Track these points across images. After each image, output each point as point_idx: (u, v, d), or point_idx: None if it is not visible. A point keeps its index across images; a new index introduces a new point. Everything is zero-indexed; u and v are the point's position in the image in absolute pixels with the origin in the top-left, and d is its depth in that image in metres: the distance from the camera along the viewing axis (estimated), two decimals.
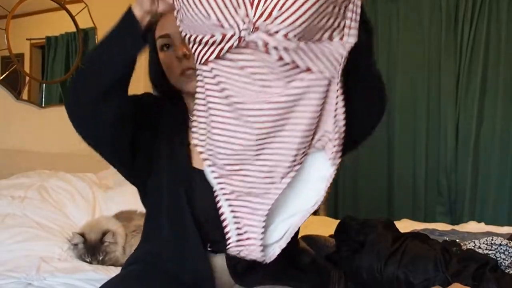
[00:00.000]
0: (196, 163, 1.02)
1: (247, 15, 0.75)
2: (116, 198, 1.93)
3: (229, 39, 0.77)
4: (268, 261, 0.84)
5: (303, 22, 0.73)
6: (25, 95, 2.28)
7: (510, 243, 1.31)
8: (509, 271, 1.22)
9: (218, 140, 0.82)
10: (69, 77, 2.52)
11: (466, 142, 3.07)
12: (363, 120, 0.98)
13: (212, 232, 0.99)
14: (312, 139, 0.82)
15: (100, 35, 2.68)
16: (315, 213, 3.40)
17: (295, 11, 0.72)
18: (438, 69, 3.15)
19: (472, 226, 2.20)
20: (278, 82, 0.78)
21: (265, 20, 0.73)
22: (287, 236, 0.83)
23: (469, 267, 1.13)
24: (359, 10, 0.79)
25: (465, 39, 3.07)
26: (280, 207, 0.83)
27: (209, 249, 1.01)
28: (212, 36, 0.78)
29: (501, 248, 1.29)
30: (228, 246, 0.84)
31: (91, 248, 1.58)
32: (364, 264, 1.19)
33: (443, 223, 2.44)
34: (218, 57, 0.79)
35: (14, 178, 1.94)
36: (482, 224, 2.32)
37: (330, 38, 0.78)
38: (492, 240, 1.32)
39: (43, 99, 2.38)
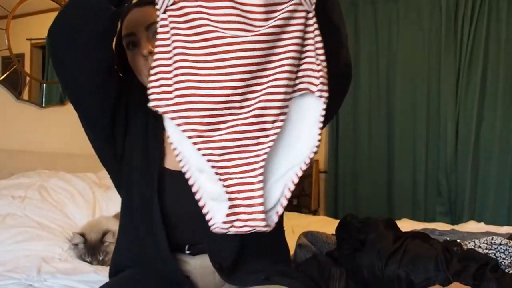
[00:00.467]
0: (168, 164, 0.98)
1: None
2: (116, 198, 1.93)
3: None
4: (269, 230, 0.73)
5: None
6: (25, 95, 2.28)
7: (510, 242, 1.31)
8: (509, 271, 1.22)
9: (194, 94, 0.71)
10: None
11: (466, 142, 3.08)
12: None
13: (187, 234, 0.97)
14: (296, 78, 0.73)
15: None
16: (315, 213, 3.41)
17: None
18: (438, 69, 3.15)
19: (472, 226, 2.20)
20: (260, 14, 0.71)
21: None
22: (283, 199, 0.74)
23: (470, 266, 1.13)
24: None
25: (465, 39, 3.07)
26: (271, 164, 0.73)
27: (187, 252, 0.99)
28: None
29: (501, 248, 1.29)
30: (213, 226, 0.73)
31: (92, 248, 1.58)
32: (365, 262, 1.19)
33: (443, 223, 2.44)
34: None
35: (14, 178, 1.94)
36: (482, 224, 2.32)
37: None
38: (492, 239, 1.32)
39: (44, 99, 2.38)
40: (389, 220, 1.39)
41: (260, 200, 0.70)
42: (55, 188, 1.91)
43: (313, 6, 0.74)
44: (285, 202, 0.74)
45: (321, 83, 0.73)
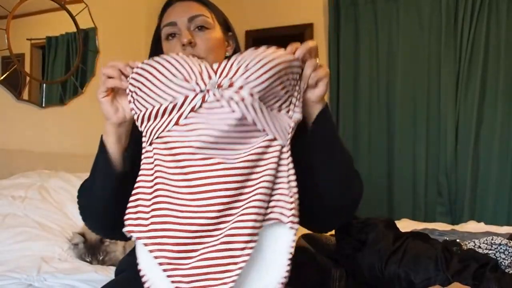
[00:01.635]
0: None
1: (210, 77, 0.79)
2: None
3: (193, 99, 0.78)
4: None
5: (266, 80, 0.77)
6: (25, 95, 2.28)
7: (510, 242, 1.31)
8: (509, 271, 1.22)
9: (170, 222, 0.74)
10: (69, 77, 2.52)
11: (466, 142, 3.07)
12: (334, 203, 0.96)
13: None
14: (267, 207, 0.76)
15: (100, 35, 2.69)
16: None
17: (259, 68, 0.76)
18: (438, 69, 3.15)
19: (472, 226, 2.20)
20: (237, 146, 0.78)
21: (230, 78, 0.77)
22: None
23: (470, 266, 1.13)
24: (302, 94, 0.86)
25: (465, 39, 3.07)
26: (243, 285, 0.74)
27: None
28: (174, 101, 0.79)
29: (501, 248, 1.29)
30: None
31: (92, 248, 1.58)
32: (365, 262, 1.19)
33: (443, 223, 2.44)
34: (177, 123, 0.78)
35: (15, 178, 1.94)
36: (482, 224, 2.32)
37: (279, 109, 0.82)
38: (492, 239, 1.32)
39: (44, 99, 2.38)
40: (389, 220, 1.39)
41: None
42: (55, 188, 1.91)
43: (288, 141, 0.80)
44: None
45: (293, 214, 0.75)
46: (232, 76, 0.77)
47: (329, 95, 3.44)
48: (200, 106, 0.78)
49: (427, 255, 1.16)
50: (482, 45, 3.03)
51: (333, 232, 1.34)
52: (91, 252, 1.59)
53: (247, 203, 0.75)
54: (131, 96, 0.86)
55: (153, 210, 0.76)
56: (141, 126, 0.83)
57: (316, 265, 1.15)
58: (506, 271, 1.21)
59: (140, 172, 0.81)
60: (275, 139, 0.79)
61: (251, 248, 0.72)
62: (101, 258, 1.59)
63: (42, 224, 1.68)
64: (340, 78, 3.41)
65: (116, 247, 1.61)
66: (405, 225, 2.04)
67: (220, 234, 0.74)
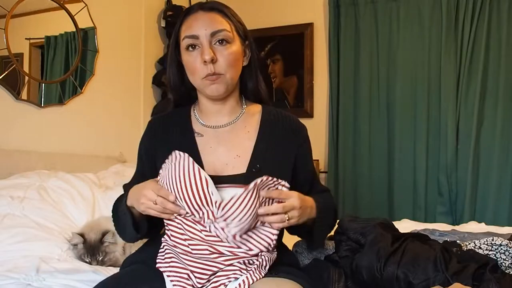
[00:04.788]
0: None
1: (213, 213, 0.99)
2: (116, 198, 1.93)
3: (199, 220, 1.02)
4: None
5: (251, 225, 1.00)
6: (24, 95, 2.28)
7: (510, 243, 1.30)
8: (509, 272, 1.22)
9: None
10: (68, 77, 2.52)
11: (466, 142, 3.07)
12: None
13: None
14: None
15: (100, 34, 2.69)
16: None
17: (247, 222, 0.98)
18: (438, 69, 3.15)
19: (473, 226, 2.20)
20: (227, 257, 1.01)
21: (225, 219, 0.98)
22: None
23: (469, 267, 1.13)
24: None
25: (465, 39, 3.07)
26: None
27: None
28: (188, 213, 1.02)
29: (501, 249, 1.28)
30: None
31: (91, 248, 1.58)
32: (364, 263, 1.19)
33: (443, 223, 2.44)
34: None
35: (14, 178, 1.93)
36: (483, 224, 2.32)
37: (263, 223, 1.02)
38: (492, 240, 1.32)
39: (43, 99, 2.38)
40: (386, 220, 1.38)
41: None
42: (54, 189, 1.90)
43: (271, 248, 1.05)
44: None
45: None
46: (225, 219, 0.98)
47: (330, 94, 3.44)
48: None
49: (426, 255, 1.16)
50: (482, 45, 3.02)
51: (332, 233, 1.33)
52: (90, 252, 1.58)
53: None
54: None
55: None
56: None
57: (315, 267, 1.15)
58: (506, 271, 1.21)
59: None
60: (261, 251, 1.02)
61: None
62: (100, 258, 1.58)
63: (41, 224, 1.68)
64: (340, 78, 3.41)
65: (116, 247, 1.60)
66: (405, 226, 2.03)
67: None
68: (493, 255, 1.27)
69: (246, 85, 1.18)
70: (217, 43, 1.06)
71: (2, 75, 2.15)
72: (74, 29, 2.53)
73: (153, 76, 3.10)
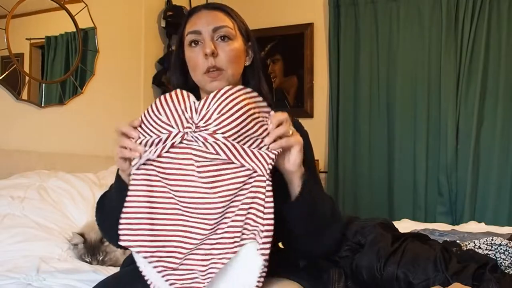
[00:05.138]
0: None
1: (192, 118, 0.92)
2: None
3: (174, 136, 0.92)
4: None
5: (237, 125, 0.89)
6: (24, 95, 2.28)
7: (510, 243, 1.31)
8: (509, 271, 1.22)
9: (170, 241, 0.90)
10: (68, 77, 2.52)
11: (466, 142, 3.07)
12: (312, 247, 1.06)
13: None
14: (244, 230, 0.87)
15: (100, 34, 2.69)
16: None
17: (231, 115, 0.89)
18: (438, 69, 3.15)
19: (473, 226, 2.20)
20: (216, 178, 0.90)
21: (206, 121, 0.91)
22: None
23: (469, 267, 1.13)
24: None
25: (465, 39, 3.07)
26: None
27: None
28: (159, 136, 0.93)
29: (501, 248, 1.29)
30: None
31: (91, 248, 1.58)
32: (364, 263, 1.19)
33: (443, 223, 2.44)
34: (159, 155, 0.92)
35: (14, 178, 1.93)
36: (483, 224, 2.32)
37: (259, 147, 0.92)
38: (492, 240, 1.32)
39: (43, 99, 2.38)
40: (386, 220, 1.38)
41: None
42: (55, 189, 1.90)
43: (268, 171, 0.88)
44: None
45: (264, 242, 0.85)
46: (208, 119, 0.91)
47: (330, 94, 3.44)
48: (180, 142, 0.92)
49: (425, 255, 1.16)
50: (482, 45, 3.02)
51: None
52: (90, 252, 1.59)
53: (227, 227, 0.87)
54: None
55: (147, 228, 0.91)
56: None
57: (315, 267, 1.15)
58: (506, 271, 1.21)
59: (129, 193, 0.93)
60: (254, 171, 0.89)
61: (222, 263, 0.85)
62: (100, 258, 1.58)
63: (41, 224, 1.68)
64: (340, 78, 3.41)
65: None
66: (405, 226, 2.04)
67: (204, 252, 0.88)
68: (493, 255, 1.28)
69: (248, 84, 1.17)
70: (219, 39, 1.07)
71: (3, 75, 2.15)
72: (75, 29, 2.53)
73: (153, 76, 3.10)
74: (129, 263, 1.12)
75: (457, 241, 1.44)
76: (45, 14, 2.39)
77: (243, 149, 0.90)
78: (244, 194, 0.88)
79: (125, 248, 1.16)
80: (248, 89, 0.95)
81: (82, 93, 2.59)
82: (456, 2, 3.08)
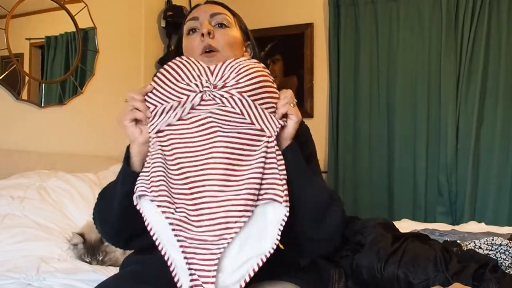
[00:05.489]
0: None
1: (208, 80, 0.95)
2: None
3: (193, 98, 0.93)
4: None
5: (253, 84, 0.93)
6: (24, 95, 2.28)
7: (510, 243, 1.31)
8: (509, 271, 1.22)
9: (177, 193, 0.89)
10: (68, 77, 2.52)
11: (466, 142, 3.07)
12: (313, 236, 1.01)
13: None
14: (261, 189, 0.88)
15: (100, 34, 2.69)
16: None
17: (247, 75, 0.94)
18: (438, 69, 3.15)
19: (473, 226, 2.20)
20: (229, 130, 0.92)
21: (223, 81, 0.94)
22: (246, 278, 0.87)
23: (469, 267, 1.13)
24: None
25: (465, 39, 3.07)
26: (237, 251, 0.87)
27: None
28: (178, 100, 0.94)
29: (501, 248, 1.29)
30: (181, 287, 0.87)
31: (91, 248, 1.58)
32: (364, 263, 1.19)
33: (443, 223, 2.44)
34: (180, 118, 0.94)
35: (14, 178, 1.93)
36: (483, 224, 2.32)
37: (271, 113, 0.95)
38: (492, 240, 1.32)
39: (43, 99, 2.38)
40: (386, 220, 1.38)
41: (212, 278, 0.84)
42: (55, 188, 1.90)
43: (276, 133, 0.93)
44: (248, 279, 0.87)
45: (285, 195, 0.89)
46: (226, 78, 0.94)
47: (330, 94, 3.44)
48: (199, 104, 0.94)
49: (426, 255, 1.16)
50: (482, 45, 3.02)
51: None
52: (90, 252, 1.59)
53: (241, 184, 0.88)
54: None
55: (161, 185, 0.89)
56: (151, 121, 0.96)
57: (315, 267, 1.15)
58: (506, 271, 1.21)
59: (149, 155, 0.94)
60: (262, 130, 0.92)
61: (243, 222, 0.86)
62: (100, 258, 1.58)
63: (41, 224, 1.68)
64: (340, 78, 3.41)
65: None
66: (405, 226, 2.04)
67: (219, 209, 0.87)
68: (493, 255, 1.28)
69: None
70: (217, 26, 1.08)
71: (3, 75, 2.15)
72: (74, 29, 2.53)
73: (153, 76, 3.10)
74: (128, 264, 1.12)
75: (457, 241, 1.44)
76: (45, 14, 2.39)
77: (256, 107, 0.93)
78: (254, 151, 0.91)
79: (120, 247, 1.14)
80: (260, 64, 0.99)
81: (82, 93, 2.59)
82: (456, 2, 3.08)
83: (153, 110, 0.95)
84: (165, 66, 0.98)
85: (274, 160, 0.90)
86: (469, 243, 1.37)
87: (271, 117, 0.94)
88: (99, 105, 2.68)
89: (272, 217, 0.88)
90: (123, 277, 1.05)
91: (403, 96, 3.23)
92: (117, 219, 1.00)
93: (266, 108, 0.94)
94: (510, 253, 1.27)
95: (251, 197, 0.87)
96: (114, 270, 1.44)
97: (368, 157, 3.34)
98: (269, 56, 3.60)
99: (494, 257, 1.26)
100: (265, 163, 0.90)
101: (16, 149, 2.17)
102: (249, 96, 0.93)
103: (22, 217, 1.67)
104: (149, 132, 0.95)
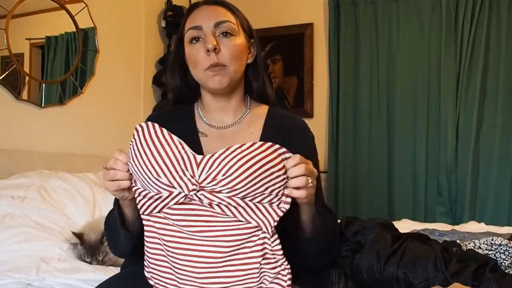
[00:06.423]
0: None
1: (193, 176, 0.87)
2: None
3: (176, 196, 0.87)
4: None
5: (243, 186, 0.85)
6: (24, 95, 2.28)
7: (510, 243, 1.31)
8: (509, 271, 1.22)
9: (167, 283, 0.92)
10: (68, 77, 2.52)
11: (466, 142, 3.07)
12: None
13: None
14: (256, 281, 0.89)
15: (100, 34, 2.69)
16: None
17: (237, 177, 0.85)
18: (438, 69, 3.14)
19: (472, 226, 2.20)
20: (218, 233, 0.88)
21: (210, 182, 0.86)
22: None
23: (469, 267, 1.13)
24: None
25: (465, 39, 3.07)
26: None
27: None
28: (159, 193, 0.88)
29: (501, 248, 1.29)
30: None
31: (91, 248, 1.58)
32: (364, 264, 1.19)
33: (443, 223, 2.44)
34: (160, 211, 0.89)
35: (14, 178, 1.93)
36: (482, 224, 2.32)
37: (270, 203, 0.89)
38: (492, 240, 1.32)
39: (43, 99, 2.38)
40: (386, 221, 1.38)
41: None
42: (55, 188, 1.90)
43: (272, 229, 0.88)
44: None
45: (289, 279, 0.89)
46: (213, 179, 0.86)
47: (329, 94, 3.44)
48: (182, 203, 0.88)
49: (426, 256, 1.16)
50: (482, 45, 3.02)
51: None
52: (90, 252, 1.59)
53: (236, 280, 0.88)
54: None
55: (155, 265, 0.94)
56: (136, 197, 0.93)
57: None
58: (506, 271, 1.21)
59: (145, 237, 0.94)
60: (259, 228, 0.88)
61: None
62: (100, 258, 1.59)
63: (41, 224, 1.68)
64: (340, 78, 3.41)
65: None
66: (405, 226, 2.03)
67: None
68: (493, 255, 1.28)
69: (251, 85, 1.14)
70: (221, 35, 1.03)
71: (3, 75, 2.15)
72: (75, 29, 2.53)
73: (153, 76, 3.10)
74: (129, 264, 1.12)
75: (457, 241, 1.44)
76: (45, 14, 2.39)
77: (248, 205, 0.87)
78: (248, 248, 0.89)
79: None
80: (257, 143, 0.90)
81: (82, 93, 2.59)
82: (456, 2, 3.08)
83: (136, 188, 0.92)
84: (144, 139, 0.90)
85: (271, 254, 0.89)
86: (469, 243, 1.37)
87: (269, 210, 0.88)
88: (99, 105, 2.68)
89: None
90: (123, 277, 1.05)
91: (403, 96, 3.22)
92: (127, 252, 1.06)
93: (268, 195, 0.88)
94: (510, 253, 1.27)
95: None
96: (114, 270, 1.44)
97: (368, 157, 3.34)
98: (269, 56, 3.60)
99: (494, 257, 1.26)
100: (263, 257, 0.89)
101: (17, 149, 2.17)
102: (243, 192, 0.86)
103: (22, 217, 1.67)
104: (141, 211, 0.93)
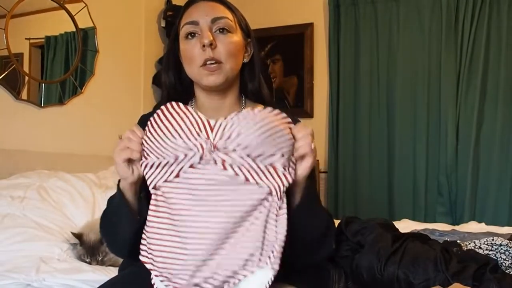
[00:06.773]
0: None
1: (208, 138, 0.89)
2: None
3: (191, 157, 0.89)
4: None
5: (256, 144, 0.87)
6: (24, 95, 2.28)
7: (510, 243, 1.31)
8: (509, 272, 1.22)
9: (171, 258, 0.89)
10: (68, 77, 2.52)
11: (466, 142, 3.07)
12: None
13: None
14: (261, 253, 0.87)
15: (100, 34, 2.69)
16: None
17: (250, 134, 0.87)
18: (438, 69, 3.15)
19: (473, 226, 2.20)
20: (230, 196, 0.88)
21: (224, 140, 0.88)
22: None
23: (469, 267, 1.13)
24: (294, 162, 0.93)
25: (465, 39, 3.07)
26: None
27: None
28: (174, 156, 0.89)
29: (501, 249, 1.29)
30: None
31: (91, 248, 1.58)
32: (364, 263, 1.19)
33: (443, 223, 2.44)
34: (177, 175, 0.90)
35: (14, 178, 1.93)
36: (483, 224, 2.32)
37: (282, 166, 0.90)
38: (492, 240, 1.32)
39: (43, 99, 2.38)
40: (386, 221, 1.38)
41: None
42: (54, 189, 1.90)
43: (281, 194, 0.88)
44: None
45: (275, 257, 0.86)
46: (227, 139, 0.88)
47: (330, 94, 3.44)
48: (198, 163, 0.89)
49: (426, 256, 1.16)
50: (482, 45, 3.02)
51: None
52: (90, 253, 1.58)
53: (237, 247, 0.87)
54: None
55: (157, 245, 0.90)
56: (143, 171, 0.93)
57: (315, 267, 1.14)
58: (506, 271, 1.21)
59: (149, 212, 0.91)
60: (270, 192, 0.88)
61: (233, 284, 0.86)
62: (100, 258, 1.58)
63: (41, 224, 1.68)
64: (340, 78, 3.41)
65: None
66: (405, 226, 2.03)
67: (209, 271, 0.87)
68: (493, 255, 1.28)
69: (246, 85, 1.13)
70: (218, 31, 1.02)
71: (2, 75, 2.15)
72: (74, 29, 2.53)
73: (153, 76, 3.10)
74: (126, 266, 1.11)
75: (457, 241, 1.44)
76: (44, 14, 2.39)
77: (260, 168, 0.89)
78: (257, 212, 0.89)
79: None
80: (268, 108, 0.92)
81: (82, 93, 2.59)
82: (456, 2, 3.08)
83: (146, 162, 0.92)
84: (162, 114, 0.93)
85: (274, 223, 0.88)
86: (469, 243, 1.37)
87: (280, 174, 0.89)
88: (99, 105, 2.68)
89: (257, 279, 0.87)
90: (120, 281, 1.03)
91: (403, 96, 3.23)
92: (127, 248, 1.01)
93: (280, 157, 0.89)
94: (510, 253, 1.27)
95: (244, 261, 0.86)
96: (113, 270, 1.43)
97: (368, 157, 3.34)
98: (269, 56, 3.61)
99: (494, 257, 1.26)
100: (266, 227, 0.88)
101: (16, 149, 2.16)
102: (256, 151, 0.88)
103: (22, 217, 1.67)
104: (148, 186, 0.92)
